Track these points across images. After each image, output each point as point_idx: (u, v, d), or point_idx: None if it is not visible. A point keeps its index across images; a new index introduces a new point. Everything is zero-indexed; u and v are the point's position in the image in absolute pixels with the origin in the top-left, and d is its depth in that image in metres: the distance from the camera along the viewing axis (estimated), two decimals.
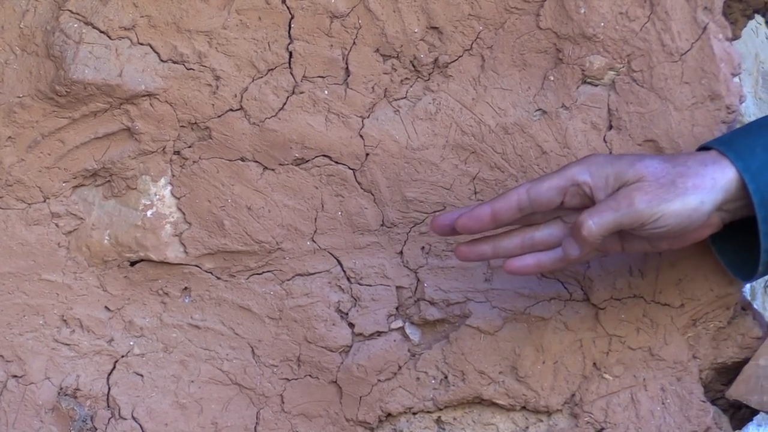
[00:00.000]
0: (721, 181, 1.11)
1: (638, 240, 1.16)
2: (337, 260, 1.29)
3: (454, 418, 1.31)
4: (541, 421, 1.30)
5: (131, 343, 1.30)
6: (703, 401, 1.29)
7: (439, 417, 1.31)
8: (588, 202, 1.14)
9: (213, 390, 1.30)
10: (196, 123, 1.26)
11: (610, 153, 1.24)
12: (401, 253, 1.29)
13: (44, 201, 1.27)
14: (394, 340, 1.29)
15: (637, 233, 1.13)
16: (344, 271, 1.29)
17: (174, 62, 1.25)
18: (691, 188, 1.11)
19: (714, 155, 1.13)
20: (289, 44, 1.25)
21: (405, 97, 1.27)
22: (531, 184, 1.14)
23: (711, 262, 1.27)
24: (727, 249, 1.23)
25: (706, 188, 1.11)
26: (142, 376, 1.29)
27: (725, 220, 1.15)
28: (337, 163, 1.27)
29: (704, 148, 1.18)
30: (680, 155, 1.14)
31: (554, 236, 1.16)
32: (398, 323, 1.30)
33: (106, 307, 1.29)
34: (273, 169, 1.27)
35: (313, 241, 1.28)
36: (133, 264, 1.29)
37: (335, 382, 1.29)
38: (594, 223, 1.10)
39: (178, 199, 1.28)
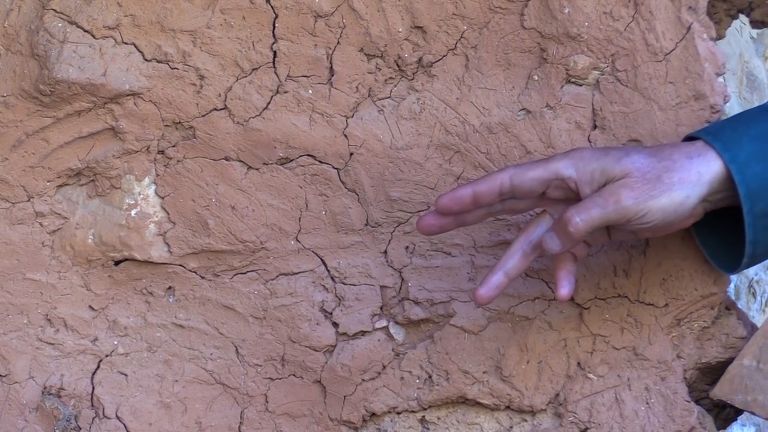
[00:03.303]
0: (706, 175, 1.11)
1: (622, 231, 1.17)
2: (321, 260, 1.29)
3: (439, 418, 1.31)
4: (526, 420, 1.30)
5: (115, 342, 1.30)
6: (688, 401, 1.29)
7: (424, 417, 1.31)
8: (571, 195, 1.14)
9: (197, 389, 1.30)
10: (180, 122, 1.26)
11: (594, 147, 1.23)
12: (385, 252, 1.29)
13: (28, 200, 1.27)
14: (379, 340, 1.29)
15: (622, 228, 1.13)
16: (328, 271, 1.29)
17: (158, 61, 1.25)
18: (677, 183, 1.11)
19: (700, 147, 1.13)
20: (273, 44, 1.25)
21: (389, 97, 1.27)
22: (515, 171, 1.14)
23: (695, 261, 1.27)
24: (711, 241, 1.23)
25: (692, 182, 1.11)
26: (126, 375, 1.29)
27: (707, 210, 1.16)
28: (321, 162, 1.27)
29: (690, 138, 1.18)
30: (666, 147, 1.14)
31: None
32: (382, 323, 1.30)
33: (90, 306, 1.29)
34: (257, 169, 1.27)
35: (297, 240, 1.28)
36: (117, 263, 1.29)
37: (319, 381, 1.29)
38: (581, 219, 1.10)
39: (162, 198, 1.28)
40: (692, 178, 1.11)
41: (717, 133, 1.14)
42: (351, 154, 1.27)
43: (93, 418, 1.29)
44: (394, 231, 1.28)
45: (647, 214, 1.11)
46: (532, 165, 1.14)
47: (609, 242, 1.22)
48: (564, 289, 1.16)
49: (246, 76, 1.26)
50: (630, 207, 1.10)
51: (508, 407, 1.30)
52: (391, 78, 1.27)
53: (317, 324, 1.29)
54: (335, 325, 1.29)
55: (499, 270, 1.16)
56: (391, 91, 1.27)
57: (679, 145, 1.15)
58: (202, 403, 1.30)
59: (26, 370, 1.28)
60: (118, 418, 1.29)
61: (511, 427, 1.30)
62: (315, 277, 1.29)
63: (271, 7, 1.25)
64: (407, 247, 1.29)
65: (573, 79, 1.26)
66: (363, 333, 1.29)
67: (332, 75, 1.26)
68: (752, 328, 1.31)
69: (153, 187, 1.28)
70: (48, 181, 1.27)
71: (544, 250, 1.14)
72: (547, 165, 1.14)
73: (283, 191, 1.28)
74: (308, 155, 1.27)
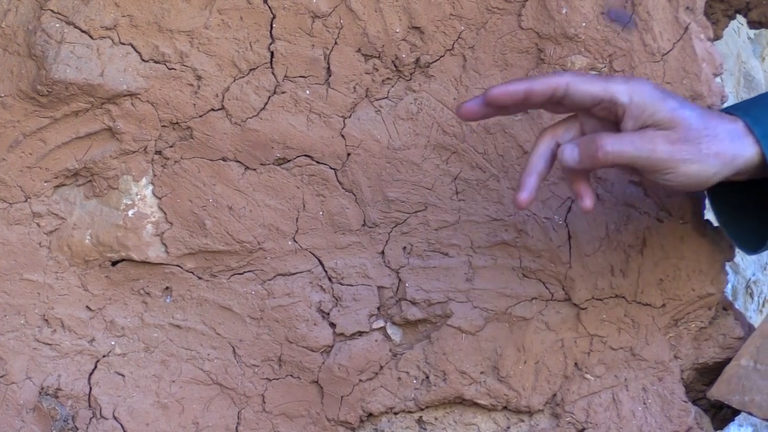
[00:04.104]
0: (740, 159, 1.11)
1: (638, 172, 1.15)
2: (319, 260, 1.29)
3: (436, 418, 1.31)
4: (523, 421, 1.30)
5: (112, 342, 1.29)
6: (685, 401, 1.29)
7: (421, 417, 1.31)
8: (612, 118, 1.13)
9: (194, 390, 1.30)
10: (177, 123, 1.26)
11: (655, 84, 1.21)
12: (383, 253, 1.29)
13: (25, 200, 1.27)
14: (376, 340, 1.29)
15: (642, 171, 1.13)
16: (325, 271, 1.29)
17: (155, 62, 1.25)
18: (713, 156, 1.10)
19: (741, 128, 1.12)
20: (270, 44, 1.25)
21: (386, 97, 1.27)
22: (572, 79, 1.12)
23: (692, 262, 1.27)
24: (733, 221, 1.22)
25: (726, 161, 1.11)
26: (123, 375, 1.29)
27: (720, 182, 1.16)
28: (318, 163, 1.27)
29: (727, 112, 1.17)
30: (714, 116, 1.13)
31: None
32: (379, 323, 1.30)
33: (87, 306, 1.29)
34: (254, 169, 1.27)
35: (295, 241, 1.28)
36: (114, 264, 1.29)
37: (316, 382, 1.29)
38: (613, 150, 1.09)
39: (160, 198, 1.28)
40: (727, 158, 1.11)
41: (747, 110, 1.14)
42: (348, 154, 1.27)
43: (90, 419, 1.29)
44: (391, 231, 1.28)
45: (673, 174, 1.10)
46: (590, 79, 1.12)
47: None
48: (588, 199, 1.13)
49: (243, 77, 1.26)
50: (661, 160, 1.09)
51: (505, 407, 1.30)
52: (388, 78, 1.27)
53: (314, 324, 1.29)
54: (332, 325, 1.29)
55: (533, 172, 1.13)
56: (388, 92, 1.27)
57: (724, 120, 1.13)
58: (199, 404, 1.30)
59: (23, 371, 1.28)
60: (115, 418, 1.29)
61: (509, 428, 1.30)
62: (312, 278, 1.29)
63: (269, 7, 1.25)
64: (404, 248, 1.29)
65: None
66: (360, 333, 1.29)
67: (329, 75, 1.26)
68: (749, 329, 1.31)
69: (150, 187, 1.28)
70: (45, 182, 1.27)
71: (559, 159, 1.11)
72: (606, 86, 1.11)
73: (280, 191, 1.28)
74: (305, 155, 1.27)
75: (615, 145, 1.09)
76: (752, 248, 1.21)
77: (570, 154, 1.11)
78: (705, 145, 1.10)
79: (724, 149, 1.11)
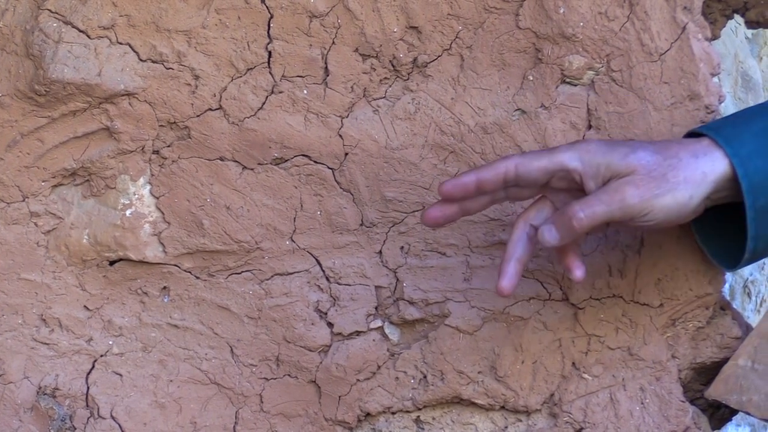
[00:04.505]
0: (711, 174, 1.12)
1: (622, 225, 1.16)
2: (316, 260, 1.29)
3: (433, 418, 1.31)
4: (520, 420, 1.30)
5: (110, 342, 1.29)
6: (682, 401, 1.29)
7: (418, 417, 1.31)
8: (574, 186, 1.14)
9: (192, 389, 1.30)
10: (175, 122, 1.26)
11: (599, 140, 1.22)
12: (380, 252, 1.29)
13: (23, 200, 1.27)
14: (373, 340, 1.29)
15: (624, 224, 1.13)
16: (323, 271, 1.29)
17: (153, 62, 1.25)
18: (681, 182, 1.11)
19: (705, 145, 1.13)
20: (268, 44, 1.25)
21: (384, 97, 1.27)
22: (520, 160, 1.13)
23: (690, 261, 1.27)
24: (711, 239, 1.23)
25: (696, 182, 1.11)
26: (121, 375, 1.29)
27: (708, 206, 1.16)
28: (316, 162, 1.27)
29: (692, 133, 1.18)
30: (672, 145, 1.14)
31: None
32: (377, 323, 1.30)
33: (85, 306, 1.29)
34: (252, 169, 1.27)
35: (292, 240, 1.28)
36: (112, 263, 1.29)
37: (314, 381, 1.29)
38: (585, 215, 1.10)
39: (157, 198, 1.28)
40: (697, 178, 1.11)
41: (718, 129, 1.14)
42: (346, 154, 1.27)
43: (88, 418, 1.29)
44: (389, 231, 1.28)
45: (651, 213, 1.11)
46: (537, 154, 1.14)
47: (604, 234, 1.21)
48: (578, 270, 1.14)
49: (241, 76, 1.26)
50: (635, 205, 1.10)
51: (503, 407, 1.30)
52: (386, 78, 1.27)
53: (312, 324, 1.29)
54: (330, 325, 1.29)
55: (511, 259, 1.15)
56: (386, 92, 1.27)
57: (684, 143, 1.14)
58: (197, 403, 1.30)
59: (21, 370, 1.28)
60: (113, 418, 1.29)
61: (506, 428, 1.30)
62: (310, 277, 1.29)
63: (266, 7, 1.25)
64: (402, 247, 1.29)
65: (568, 80, 1.26)
66: (358, 333, 1.29)
67: (327, 75, 1.26)
68: (747, 329, 1.31)
69: (148, 187, 1.28)
70: (43, 181, 1.27)
71: (541, 242, 1.13)
72: (552, 156, 1.13)
73: (278, 191, 1.28)
74: (303, 155, 1.27)
75: (586, 210, 1.10)
76: (730, 265, 1.21)
77: (549, 234, 1.12)
78: (671, 174, 1.11)
79: (692, 171, 1.11)
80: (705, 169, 1.11)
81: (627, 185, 1.10)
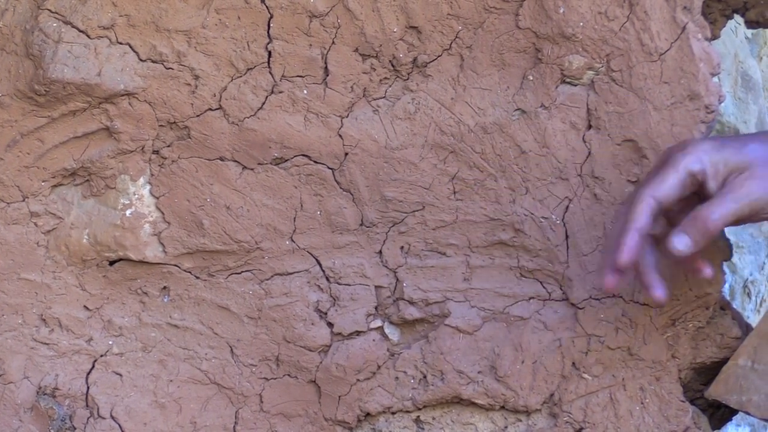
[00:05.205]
0: None
1: (748, 221, 1.15)
2: (316, 260, 1.29)
3: (433, 418, 1.31)
4: (520, 420, 1.30)
5: (110, 342, 1.29)
6: (682, 401, 1.29)
7: (418, 416, 1.31)
8: (698, 190, 1.13)
9: (192, 389, 1.30)
10: (175, 122, 1.26)
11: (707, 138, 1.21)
12: (380, 252, 1.29)
13: (23, 200, 1.27)
14: (373, 340, 1.29)
15: (750, 220, 1.13)
16: (323, 271, 1.29)
17: (153, 61, 1.25)
18: None
19: None
20: (268, 44, 1.25)
21: (384, 97, 1.27)
22: (653, 190, 1.12)
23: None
24: None
25: None
26: (120, 375, 1.29)
27: None
28: (316, 162, 1.27)
29: None
30: None
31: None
32: (377, 323, 1.30)
33: (84, 306, 1.29)
34: (252, 169, 1.27)
35: (292, 240, 1.28)
36: (112, 263, 1.29)
37: (314, 381, 1.29)
38: (719, 215, 1.10)
39: (157, 198, 1.28)
40: None
41: None
42: (346, 154, 1.27)
43: (88, 418, 1.29)
44: (389, 231, 1.28)
45: None
46: (660, 175, 1.12)
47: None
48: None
49: (241, 76, 1.26)
50: (761, 198, 1.10)
51: (502, 407, 1.29)
52: (386, 78, 1.27)
53: (312, 324, 1.29)
54: (330, 325, 1.29)
55: (650, 269, 1.15)
56: (386, 91, 1.27)
57: None
58: (196, 403, 1.30)
59: (21, 370, 1.28)
60: (112, 418, 1.29)
61: (506, 427, 1.30)
62: (310, 277, 1.29)
63: (266, 7, 1.25)
64: (402, 247, 1.29)
65: (568, 79, 1.26)
66: (358, 333, 1.29)
67: (327, 75, 1.26)
68: (747, 329, 1.31)
69: (148, 187, 1.28)
70: (43, 181, 1.27)
71: (672, 253, 1.11)
72: (676, 166, 1.12)
73: (277, 191, 1.28)
74: (303, 155, 1.27)
75: (718, 211, 1.10)
76: None
77: (682, 242, 1.11)
78: None
79: None
80: None
81: (747, 180, 1.10)
